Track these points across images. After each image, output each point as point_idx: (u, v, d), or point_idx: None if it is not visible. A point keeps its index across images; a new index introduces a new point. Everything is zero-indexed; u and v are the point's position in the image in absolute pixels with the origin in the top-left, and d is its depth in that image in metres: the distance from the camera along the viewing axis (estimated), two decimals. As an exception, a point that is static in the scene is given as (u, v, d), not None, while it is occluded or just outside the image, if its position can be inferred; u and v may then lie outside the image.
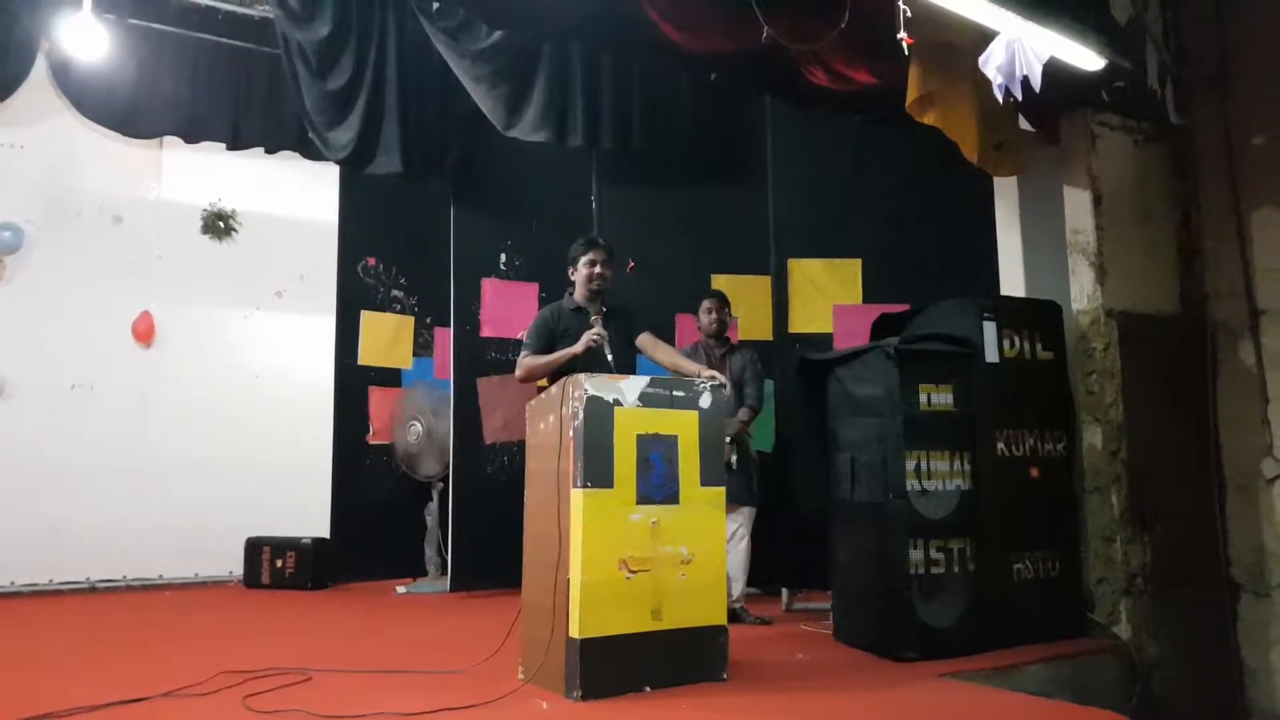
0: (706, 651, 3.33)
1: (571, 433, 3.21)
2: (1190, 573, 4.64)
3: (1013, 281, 5.01)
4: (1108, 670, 4.14)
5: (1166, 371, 4.70)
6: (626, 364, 3.88)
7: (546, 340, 3.90)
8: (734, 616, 4.31)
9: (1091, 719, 2.91)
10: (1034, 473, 4.22)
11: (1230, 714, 4.65)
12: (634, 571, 3.22)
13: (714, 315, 4.70)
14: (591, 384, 3.23)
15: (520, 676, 3.33)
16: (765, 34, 3.29)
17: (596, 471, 3.19)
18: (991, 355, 4.17)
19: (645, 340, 3.97)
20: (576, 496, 3.17)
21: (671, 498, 3.32)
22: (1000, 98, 3.41)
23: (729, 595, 4.37)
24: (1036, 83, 3.28)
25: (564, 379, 3.35)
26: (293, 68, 5.07)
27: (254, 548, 5.97)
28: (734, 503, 4.38)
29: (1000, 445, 4.15)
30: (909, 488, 3.86)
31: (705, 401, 3.43)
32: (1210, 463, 4.80)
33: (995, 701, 3.26)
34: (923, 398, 3.95)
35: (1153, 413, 4.58)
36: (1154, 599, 4.45)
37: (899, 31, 3.15)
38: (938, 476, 3.94)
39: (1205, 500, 4.76)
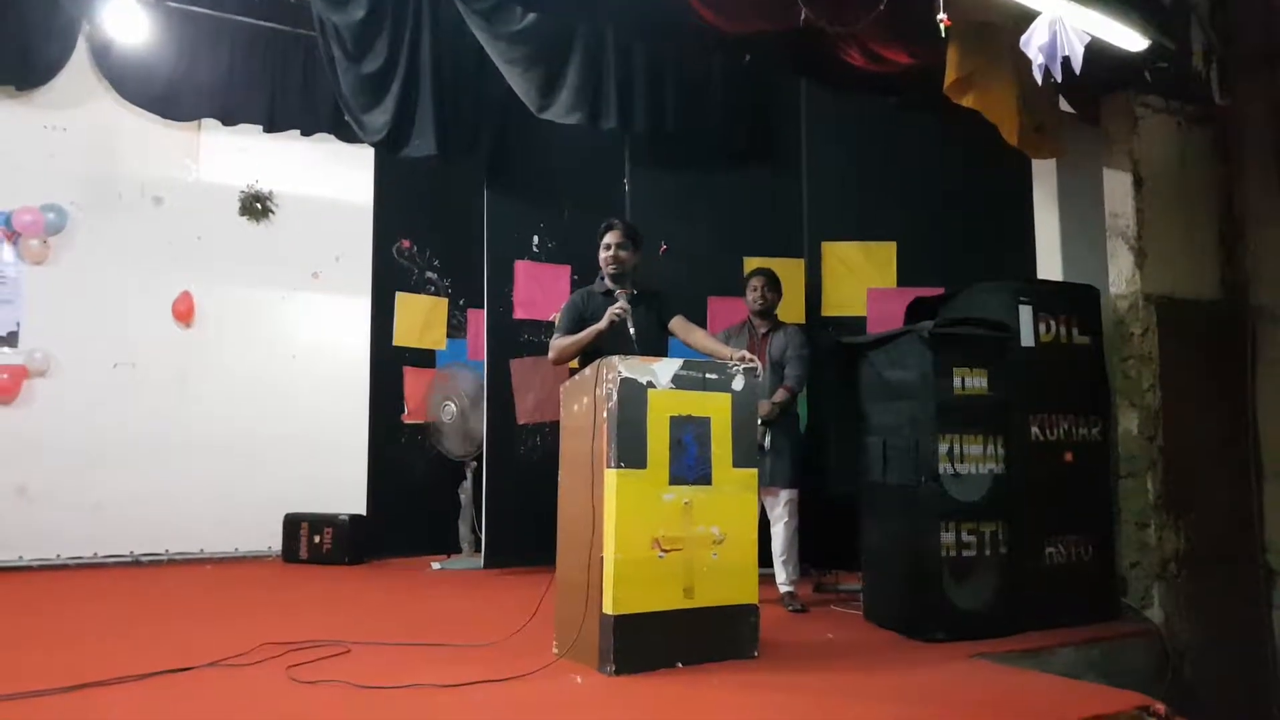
0: (738, 629, 3.37)
1: (605, 414, 3.25)
2: (1224, 558, 4.61)
3: (1050, 265, 4.98)
4: (1139, 654, 4.14)
5: (1204, 357, 4.66)
6: (657, 346, 3.91)
7: (576, 323, 3.94)
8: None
9: (1123, 701, 2.89)
10: (1068, 457, 4.21)
11: (1263, 698, 4.62)
12: (666, 550, 3.26)
13: (759, 292, 4.66)
14: (625, 366, 3.26)
15: (554, 651, 3.39)
16: (803, 16, 3.28)
17: (630, 452, 3.22)
18: (1027, 339, 4.16)
19: (678, 324, 3.99)
20: (610, 477, 3.21)
21: (704, 479, 3.35)
22: (1040, 79, 3.38)
23: (777, 579, 4.42)
24: (1078, 63, 3.24)
25: (597, 361, 3.38)
26: (329, 51, 5.11)
27: (292, 523, 6.08)
28: (773, 485, 4.40)
29: (1034, 429, 4.14)
30: (941, 471, 3.86)
31: (738, 384, 3.44)
32: (1247, 449, 4.75)
33: (1025, 682, 3.26)
34: (956, 381, 3.94)
35: (1190, 398, 4.54)
36: (1187, 584, 4.43)
37: (938, 12, 3.13)
38: (970, 460, 3.93)
39: (1241, 486, 4.72)
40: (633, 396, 3.24)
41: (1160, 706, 2.86)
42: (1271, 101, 4.79)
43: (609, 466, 3.22)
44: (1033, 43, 3.34)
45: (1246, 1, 4.86)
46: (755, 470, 3.50)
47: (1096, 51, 3.55)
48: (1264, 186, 4.80)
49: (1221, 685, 4.40)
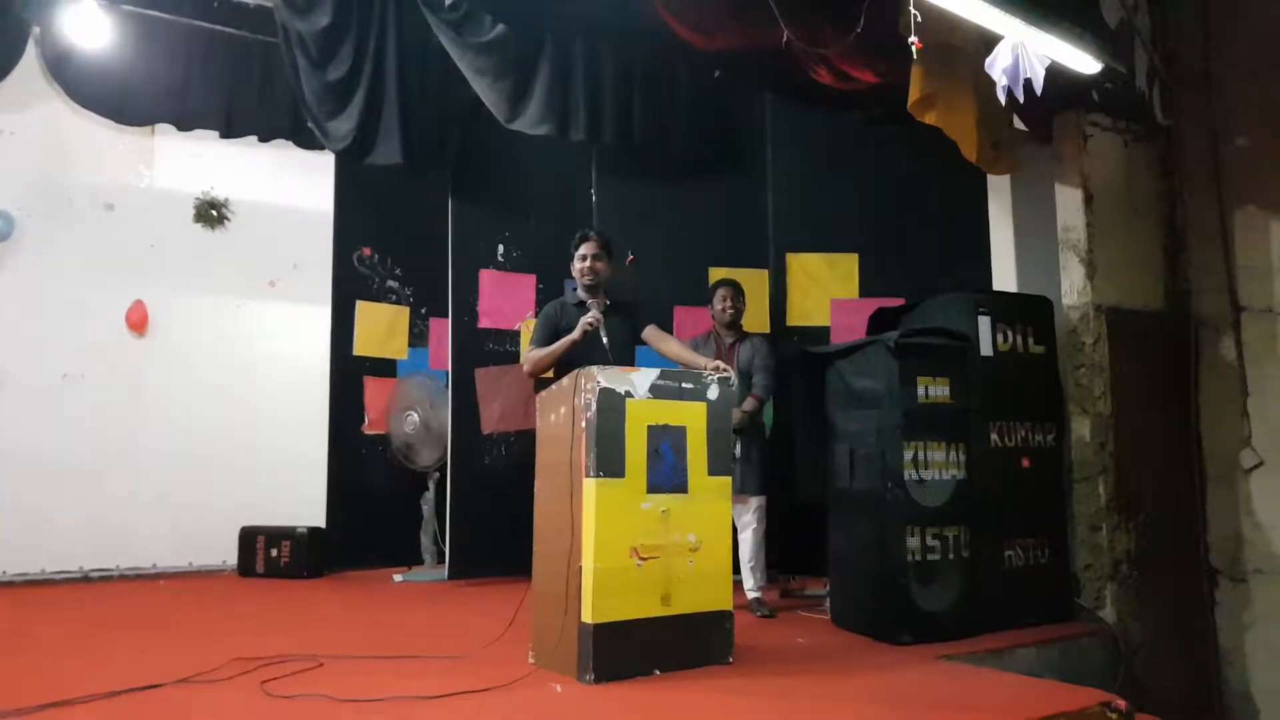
0: (713, 635, 3.41)
1: (584, 424, 3.27)
2: (1172, 559, 4.81)
3: (1005, 277, 5.14)
4: (1094, 652, 4.29)
5: (1152, 365, 4.86)
6: (628, 357, 3.95)
7: (551, 334, 3.98)
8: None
9: (1086, 698, 3.00)
10: (1025, 463, 4.34)
11: (1206, 694, 4.82)
12: (644, 559, 3.29)
13: (727, 304, 4.72)
14: (604, 376, 3.29)
15: (531, 660, 3.40)
16: (786, 38, 3.35)
17: (609, 462, 3.25)
18: (986, 349, 4.29)
19: (651, 333, 4.04)
20: (589, 486, 3.23)
21: (680, 487, 3.39)
22: (1004, 99, 3.51)
23: (745, 585, 4.47)
24: (1039, 85, 3.38)
25: (575, 371, 3.41)
26: (292, 58, 5.06)
27: (248, 537, 5.98)
28: (743, 493, 4.45)
29: (994, 436, 4.27)
30: (907, 477, 3.96)
31: (713, 393, 3.50)
32: (1192, 453, 4.97)
33: (992, 682, 3.36)
34: (920, 390, 4.05)
35: (1139, 405, 4.74)
36: (1138, 584, 4.61)
37: (910, 35, 3.24)
38: (934, 466, 4.04)
39: (1187, 489, 4.94)
40: (611, 406, 3.27)
41: (1121, 703, 2.97)
42: (1209, 120, 5.03)
43: (588, 476, 3.24)
44: (997, 65, 3.47)
45: (1186, 26, 5.10)
46: (729, 478, 3.55)
47: (1049, 73, 3.70)
48: (1204, 201, 5.04)
49: (1170, 681, 4.58)
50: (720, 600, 3.45)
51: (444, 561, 5.64)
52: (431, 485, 6.00)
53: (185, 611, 4.90)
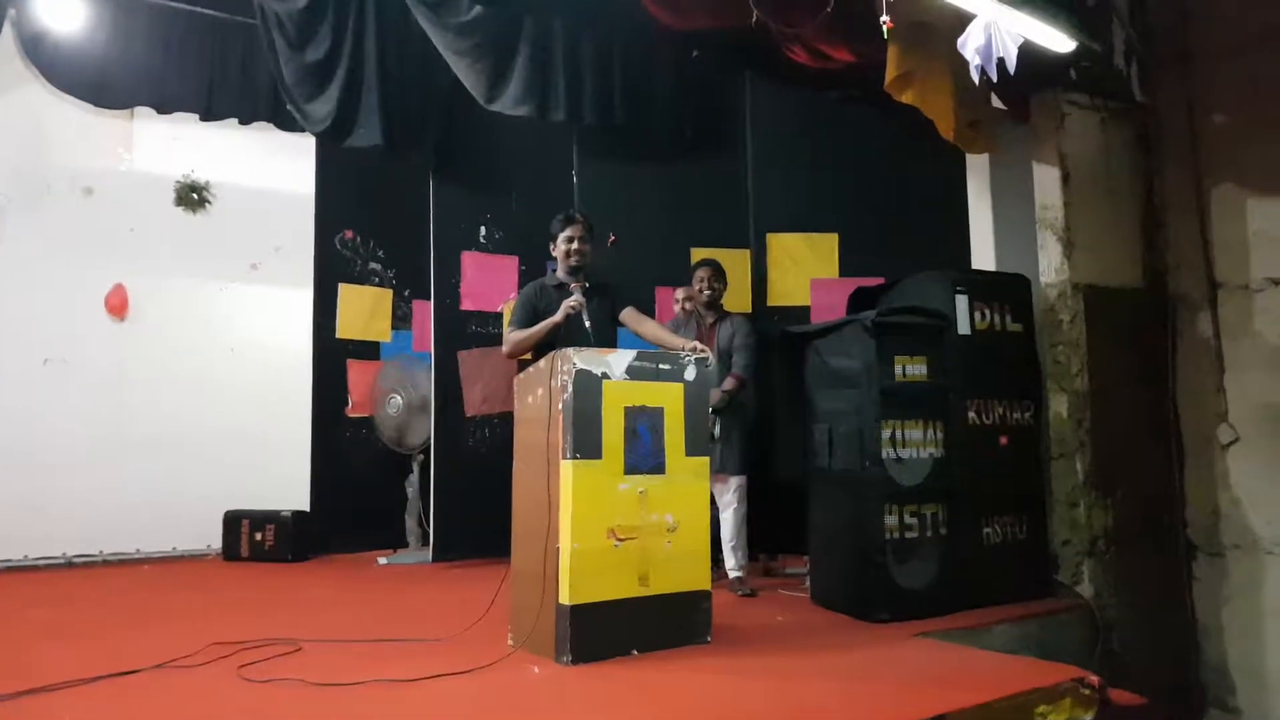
0: (691, 615, 3.44)
1: (561, 405, 3.28)
2: (1149, 535, 4.85)
3: (984, 255, 5.15)
4: (1072, 628, 4.33)
5: (1129, 342, 4.88)
6: (608, 338, 3.95)
7: (531, 316, 3.96)
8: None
9: (1059, 674, 3.04)
10: (1003, 440, 4.36)
11: (1183, 669, 4.88)
12: (622, 540, 3.31)
13: (706, 283, 4.73)
14: (580, 358, 3.29)
15: (510, 643, 3.41)
16: (755, 18, 3.34)
17: (585, 443, 3.26)
18: (964, 327, 4.30)
19: (629, 315, 4.04)
20: (566, 468, 3.24)
21: (658, 468, 3.41)
22: (977, 79, 3.50)
23: (726, 564, 4.50)
24: (1012, 64, 3.38)
25: (552, 353, 3.41)
26: (270, 39, 5.02)
27: (233, 521, 5.97)
28: (723, 473, 4.47)
29: (971, 414, 4.29)
30: (884, 456, 3.98)
31: (690, 374, 3.51)
32: (1169, 429, 5.00)
33: (967, 659, 3.39)
34: (898, 369, 4.06)
35: (1116, 382, 4.76)
36: (1115, 560, 4.65)
37: (881, 14, 3.23)
38: (912, 445, 4.06)
39: (1164, 465, 4.98)
40: (588, 388, 3.28)
41: (1094, 679, 3.01)
42: (1186, 97, 5.03)
43: (565, 457, 3.25)
44: (969, 45, 3.46)
45: (1163, 3, 5.09)
46: (707, 459, 3.57)
47: (1026, 52, 3.69)
48: (1181, 179, 5.05)
49: (1146, 656, 4.63)
50: (698, 580, 3.47)
51: (429, 544, 5.66)
52: (416, 468, 6.00)
53: (168, 596, 4.90)
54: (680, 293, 4.88)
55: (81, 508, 5.78)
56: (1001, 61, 3.44)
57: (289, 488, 5.97)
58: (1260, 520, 4.75)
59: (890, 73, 4.01)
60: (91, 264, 6.08)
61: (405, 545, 6.05)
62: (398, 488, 6.06)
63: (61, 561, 5.78)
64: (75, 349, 6.01)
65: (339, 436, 6.19)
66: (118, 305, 6.17)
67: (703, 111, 5.55)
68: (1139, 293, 4.98)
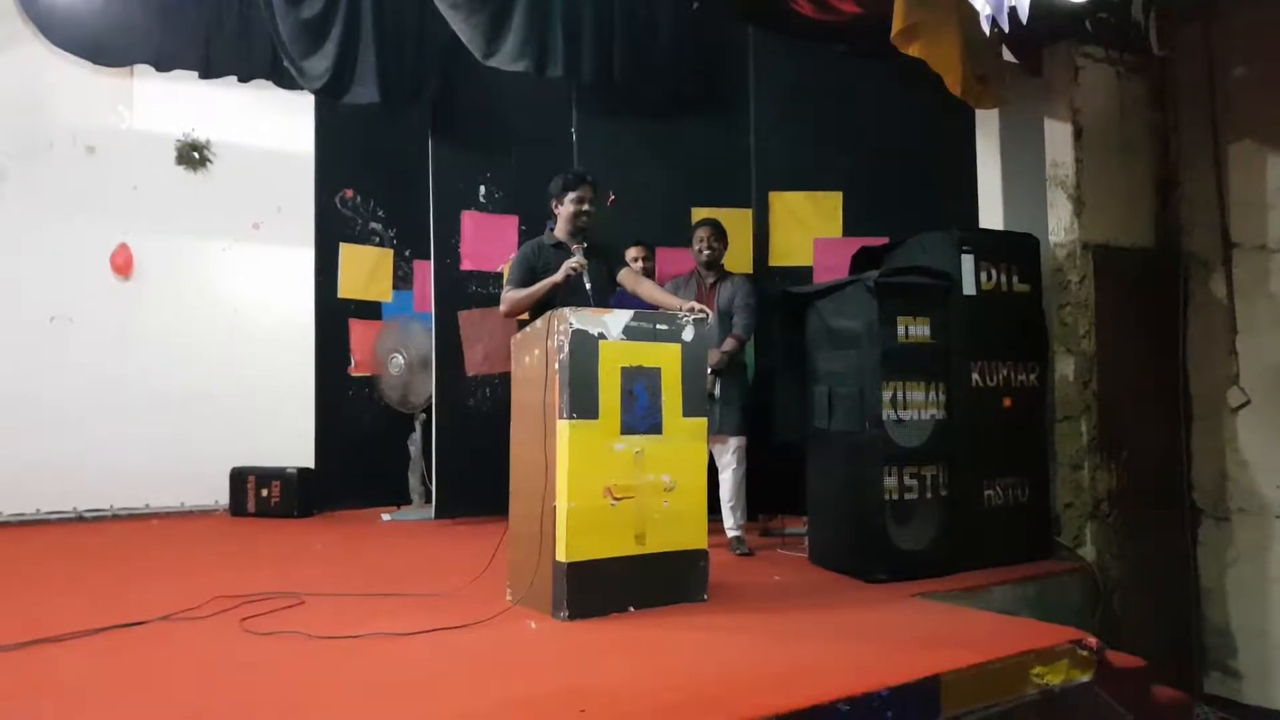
0: (688, 573, 3.45)
1: (557, 365, 3.27)
2: (1154, 498, 4.81)
3: (992, 214, 5.06)
4: (1073, 590, 4.32)
5: (1139, 303, 4.81)
6: (606, 299, 3.91)
7: (528, 275, 3.92)
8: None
9: (1056, 636, 3.03)
10: (1006, 402, 4.32)
11: (1185, 631, 4.87)
12: (618, 499, 3.31)
13: (705, 243, 4.67)
14: (576, 318, 3.27)
15: (508, 598, 3.44)
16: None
17: (582, 403, 3.25)
18: (969, 288, 4.24)
19: (626, 275, 4.00)
20: (562, 427, 3.24)
21: (655, 428, 3.40)
22: (988, 30, 3.40)
23: (725, 524, 4.50)
24: (1024, 14, 3.26)
25: (549, 313, 3.39)
26: (265, -7, 4.95)
27: (239, 477, 6.03)
28: (722, 433, 4.45)
29: (975, 376, 4.24)
30: (885, 417, 3.95)
31: (688, 335, 3.48)
32: (1178, 392, 4.93)
33: (964, 619, 3.39)
34: (900, 330, 4.02)
35: (1124, 343, 4.70)
36: (1119, 523, 4.62)
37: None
38: (913, 406, 4.03)
39: (1171, 428, 4.92)
40: (584, 348, 3.26)
41: (1092, 640, 3.00)
42: (1207, 50, 4.89)
43: (561, 417, 3.24)
44: (979, -7, 3.36)
45: (1184, -48, 4.93)
46: (705, 419, 3.56)
47: (1039, 2, 3.58)
48: (1198, 135, 4.92)
49: (1148, 618, 4.63)
50: (695, 539, 3.48)
51: (431, 501, 5.70)
52: (418, 426, 6.02)
53: (175, 550, 4.97)
54: (633, 251, 4.83)
55: (91, 463, 5.85)
56: (1013, 11, 3.32)
57: (294, 445, 6.01)
58: (1269, 484, 4.70)
59: (897, 24, 3.90)
60: (94, 222, 6.09)
61: (408, 502, 6.09)
62: (401, 445, 6.10)
63: (72, 515, 5.87)
64: (81, 307, 6.05)
65: (342, 395, 6.20)
66: (123, 264, 6.17)
67: (704, 68, 5.43)
68: (1150, 253, 4.89)
